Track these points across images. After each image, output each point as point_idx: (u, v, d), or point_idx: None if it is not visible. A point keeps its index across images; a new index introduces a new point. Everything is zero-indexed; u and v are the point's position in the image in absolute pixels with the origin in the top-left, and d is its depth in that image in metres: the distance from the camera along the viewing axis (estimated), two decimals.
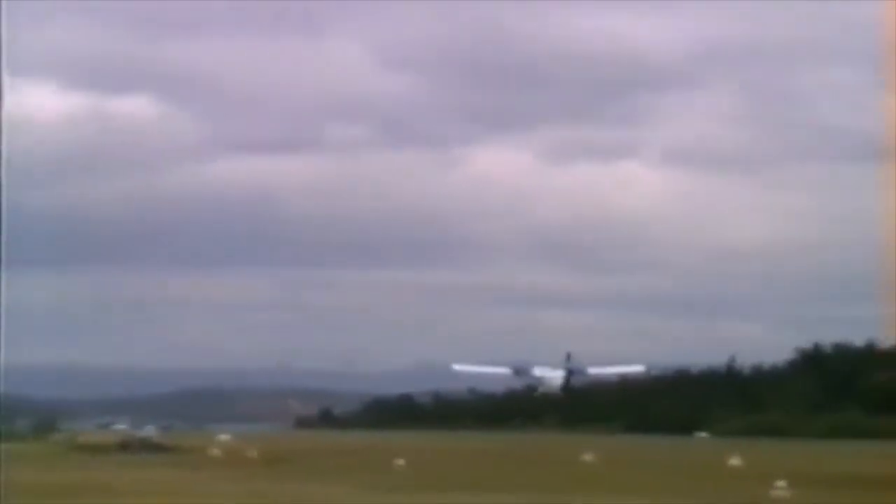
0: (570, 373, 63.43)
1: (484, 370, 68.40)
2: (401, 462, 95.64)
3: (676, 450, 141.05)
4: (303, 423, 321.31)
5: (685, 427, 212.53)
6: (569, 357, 63.11)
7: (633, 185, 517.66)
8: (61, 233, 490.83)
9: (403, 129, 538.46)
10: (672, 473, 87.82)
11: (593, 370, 65.65)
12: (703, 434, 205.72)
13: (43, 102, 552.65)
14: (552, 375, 63.87)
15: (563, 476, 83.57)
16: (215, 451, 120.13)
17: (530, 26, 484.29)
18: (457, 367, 69.79)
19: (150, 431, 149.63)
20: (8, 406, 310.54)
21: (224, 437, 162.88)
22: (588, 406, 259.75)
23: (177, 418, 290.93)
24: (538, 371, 65.03)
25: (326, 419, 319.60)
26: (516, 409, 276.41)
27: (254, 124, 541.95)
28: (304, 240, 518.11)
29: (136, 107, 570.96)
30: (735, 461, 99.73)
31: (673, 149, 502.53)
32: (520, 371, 65.22)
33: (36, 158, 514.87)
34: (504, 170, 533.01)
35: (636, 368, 67.88)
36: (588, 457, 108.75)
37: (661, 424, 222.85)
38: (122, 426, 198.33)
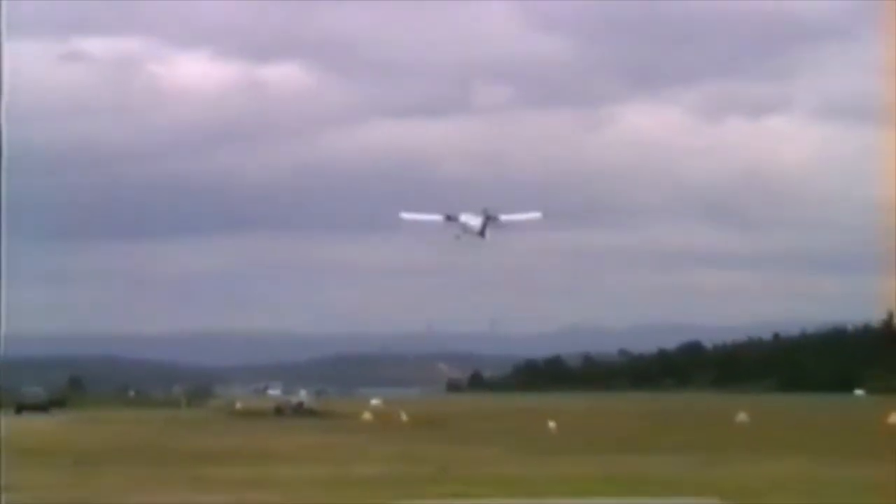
0: (486, 219, 72.31)
1: (422, 217, 77.33)
2: (553, 424, 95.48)
3: (833, 408, 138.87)
4: (453, 386, 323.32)
5: (841, 385, 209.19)
6: (486, 210, 72.65)
7: (786, 139, 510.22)
8: (217, 200, 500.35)
9: (552, 90, 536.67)
10: (830, 432, 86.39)
11: (504, 217, 75.23)
12: (860, 392, 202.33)
13: (197, 72, 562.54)
14: (474, 222, 73.11)
15: (717, 437, 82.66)
16: (367, 416, 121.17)
17: None
18: (404, 215, 78.79)
19: (303, 397, 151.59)
20: (164, 373, 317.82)
21: (375, 401, 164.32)
22: (741, 365, 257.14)
23: (328, 383, 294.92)
24: (463, 217, 74.03)
25: (476, 383, 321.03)
26: (667, 369, 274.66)
27: (403, 88, 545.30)
28: (453, 202, 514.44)
29: (286, 74, 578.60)
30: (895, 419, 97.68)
31: (826, 102, 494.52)
32: (450, 217, 74.53)
33: (191, 127, 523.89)
34: (654, 128, 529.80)
35: (534, 215, 77.38)
36: (742, 416, 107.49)
37: (815, 383, 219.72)
38: (275, 392, 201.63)
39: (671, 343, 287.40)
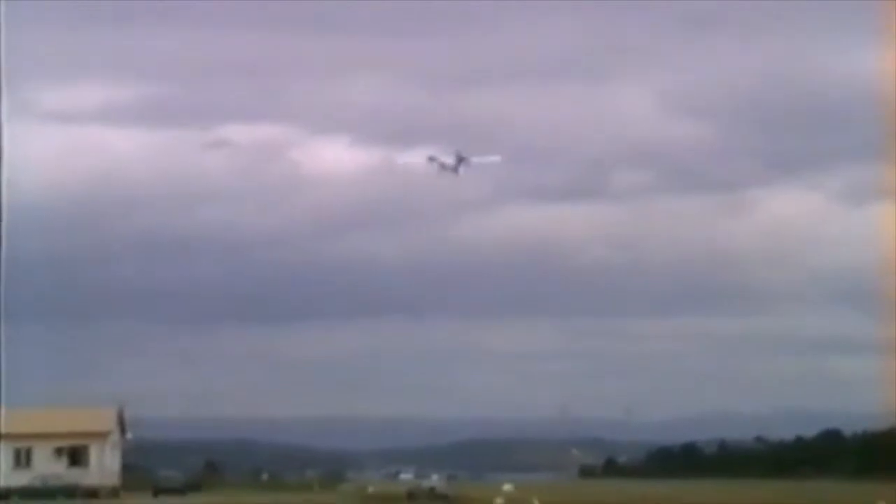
0: (459, 159, 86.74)
1: (411, 159, 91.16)
2: None
3: None
4: (586, 472, 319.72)
5: None
6: (458, 151, 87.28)
7: None
8: (350, 285, 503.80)
9: (692, 175, 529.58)
10: None
11: (474, 159, 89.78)
12: None
13: (336, 157, 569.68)
14: (449, 161, 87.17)
15: None
16: (499, 501, 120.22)
17: (821, 64, 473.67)
18: (398, 159, 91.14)
19: (435, 481, 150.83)
20: (297, 456, 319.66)
21: (508, 486, 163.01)
22: (882, 453, 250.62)
23: (460, 468, 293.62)
24: (441, 158, 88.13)
25: (611, 468, 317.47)
26: (806, 456, 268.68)
27: (540, 172, 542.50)
28: (589, 288, 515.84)
29: (423, 158, 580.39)
30: None
31: None
32: (432, 158, 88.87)
33: (327, 213, 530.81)
34: (796, 213, 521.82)
35: (494, 158, 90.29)
36: None
37: None
38: (407, 476, 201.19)
39: (809, 430, 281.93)
